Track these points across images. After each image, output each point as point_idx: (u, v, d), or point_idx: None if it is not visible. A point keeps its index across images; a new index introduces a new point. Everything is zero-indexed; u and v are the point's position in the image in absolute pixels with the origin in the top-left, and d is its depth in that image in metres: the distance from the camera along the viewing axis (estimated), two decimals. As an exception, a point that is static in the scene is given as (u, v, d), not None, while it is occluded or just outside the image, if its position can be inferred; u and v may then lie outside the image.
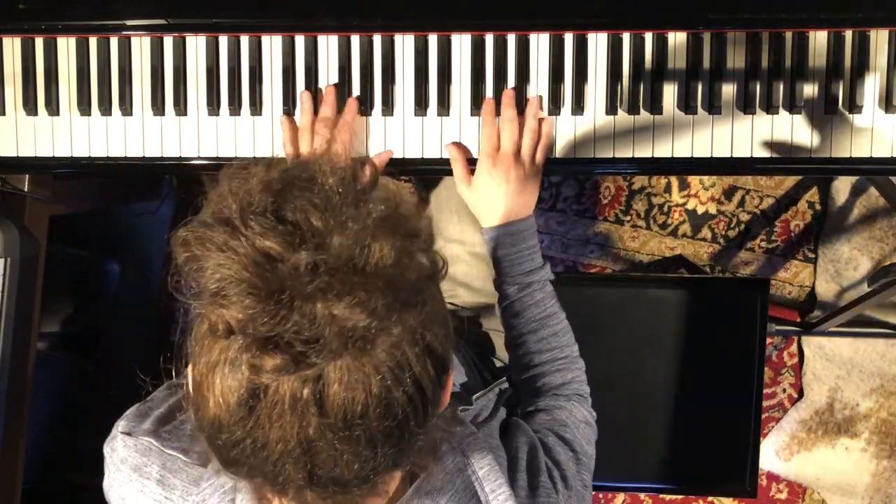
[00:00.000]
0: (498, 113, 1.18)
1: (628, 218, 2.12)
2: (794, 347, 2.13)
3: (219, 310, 0.58)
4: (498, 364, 1.35)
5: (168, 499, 0.80)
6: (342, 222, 0.58)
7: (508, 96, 1.17)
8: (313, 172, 0.61)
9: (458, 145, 1.19)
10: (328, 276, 0.57)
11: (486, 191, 1.13)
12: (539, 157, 1.16)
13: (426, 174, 1.46)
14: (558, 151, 1.21)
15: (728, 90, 1.18)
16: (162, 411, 0.86)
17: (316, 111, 1.19)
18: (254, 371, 0.58)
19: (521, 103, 1.19)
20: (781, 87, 1.17)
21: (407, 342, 0.60)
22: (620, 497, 2.18)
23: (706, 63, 1.18)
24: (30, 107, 1.24)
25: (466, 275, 1.35)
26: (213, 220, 0.59)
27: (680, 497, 2.15)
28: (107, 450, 0.85)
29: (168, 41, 1.22)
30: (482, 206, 1.14)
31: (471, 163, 1.19)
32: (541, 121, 1.17)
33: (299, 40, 1.21)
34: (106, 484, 0.85)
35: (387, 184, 0.65)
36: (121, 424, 0.85)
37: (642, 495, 2.17)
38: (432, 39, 1.20)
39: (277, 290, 0.57)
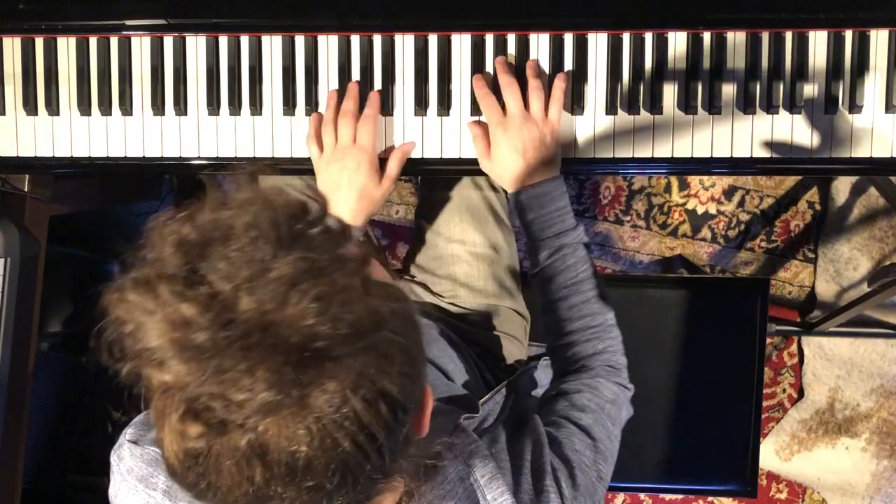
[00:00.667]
0: (491, 84, 1.16)
1: (628, 218, 2.12)
2: (794, 347, 2.13)
3: (149, 369, 0.58)
4: (507, 362, 1.35)
5: None
6: (256, 279, 0.56)
7: (501, 62, 1.16)
8: (229, 227, 0.58)
9: (478, 123, 1.18)
10: (239, 341, 0.55)
11: (505, 158, 1.11)
12: (553, 113, 1.14)
13: (427, 174, 1.46)
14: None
15: (728, 90, 1.18)
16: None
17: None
18: (182, 438, 0.58)
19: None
20: (781, 87, 1.17)
21: (350, 390, 0.58)
22: (620, 497, 2.18)
23: (706, 63, 1.18)
24: (30, 107, 1.24)
25: (467, 275, 1.35)
26: (133, 282, 0.58)
27: (680, 497, 2.15)
28: (114, 458, 0.84)
29: (168, 41, 1.22)
30: (505, 175, 1.12)
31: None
32: (553, 77, 1.16)
33: (299, 40, 1.22)
34: (112, 492, 0.85)
35: (334, 220, 0.62)
36: (128, 433, 0.84)
37: (642, 495, 2.17)
38: (432, 39, 1.20)
39: (195, 355, 0.56)
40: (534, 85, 1.14)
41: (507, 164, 1.12)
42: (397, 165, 1.18)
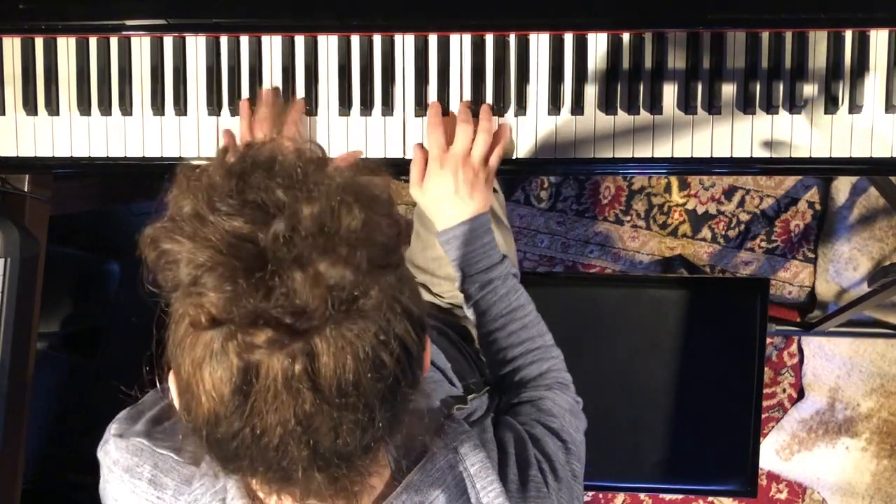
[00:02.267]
0: (444, 115, 1.18)
1: (628, 218, 2.12)
2: (794, 347, 2.13)
3: (198, 300, 0.58)
4: None
5: (160, 499, 0.80)
6: (308, 193, 0.59)
7: (465, 104, 1.18)
8: (271, 153, 0.62)
9: (422, 147, 1.19)
10: (304, 244, 0.58)
11: (436, 192, 1.13)
12: (493, 160, 1.15)
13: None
14: (558, 151, 1.21)
15: (728, 90, 1.18)
16: (154, 413, 0.86)
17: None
18: (246, 350, 0.58)
19: (521, 103, 1.19)
20: (781, 87, 1.17)
21: (387, 304, 0.61)
22: (620, 497, 2.18)
23: (706, 63, 1.18)
24: (30, 107, 1.24)
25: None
26: (178, 214, 0.60)
27: (680, 497, 2.15)
28: (100, 454, 0.85)
29: (168, 41, 1.22)
30: (433, 208, 1.14)
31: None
32: (500, 126, 1.17)
33: (299, 40, 1.22)
34: (101, 487, 0.86)
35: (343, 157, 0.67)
36: (113, 428, 0.85)
37: (642, 495, 2.17)
38: (432, 39, 1.20)
39: (255, 267, 0.57)
40: (484, 127, 1.15)
41: (437, 198, 1.13)
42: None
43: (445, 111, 1.20)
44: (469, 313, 1.12)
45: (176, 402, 0.67)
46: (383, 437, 0.65)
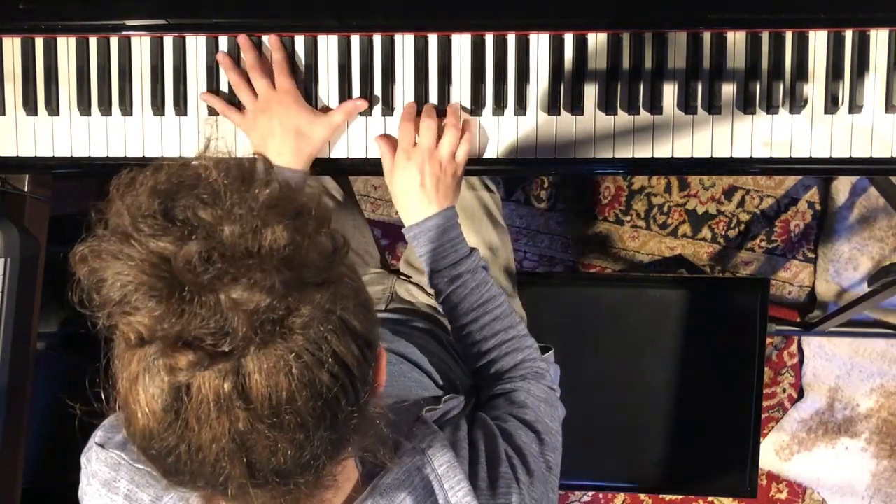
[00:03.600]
0: (419, 115, 1.18)
1: (628, 218, 2.12)
2: (794, 347, 2.13)
3: (126, 318, 0.58)
4: None
5: None
6: (230, 212, 0.59)
7: (430, 106, 1.18)
8: (197, 170, 0.62)
9: (387, 137, 1.19)
10: (222, 264, 0.57)
11: (403, 185, 1.13)
12: (460, 155, 1.15)
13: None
14: (558, 151, 1.21)
15: (728, 90, 1.18)
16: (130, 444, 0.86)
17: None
18: (170, 372, 0.58)
19: (521, 103, 1.19)
20: (781, 87, 1.17)
21: (320, 321, 0.60)
22: (620, 497, 2.18)
23: (706, 63, 1.18)
24: (30, 107, 1.24)
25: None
26: (106, 232, 0.60)
27: (680, 497, 2.15)
28: (83, 459, 0.86)
29: (168, 41, 1.22)
30: (400, 202, 1.14)
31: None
32: (464, 123, 1.18)
33: (299, 40, 1.21)
34: (80, 492, 0.86)
35: (279, 171, 0.66)
36: (97, 434, 0.86)
37: (642, 495, 2.17)
38: (432, 39, 1.20)
39: (177, 287, 0.57)
40: (451, 122, 1.15)
41: (404, 191, 1.13)
42: (342, 115, 1.18)
43: (446, 111, 1.20)
44: (441, 308, 1.12)
45: (120, 416, 0.67)
46: (325, 455, 0.64)
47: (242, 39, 1.20)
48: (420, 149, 1.13)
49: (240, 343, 0.57)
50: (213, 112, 1.23)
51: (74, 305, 0.62)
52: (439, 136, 1.14)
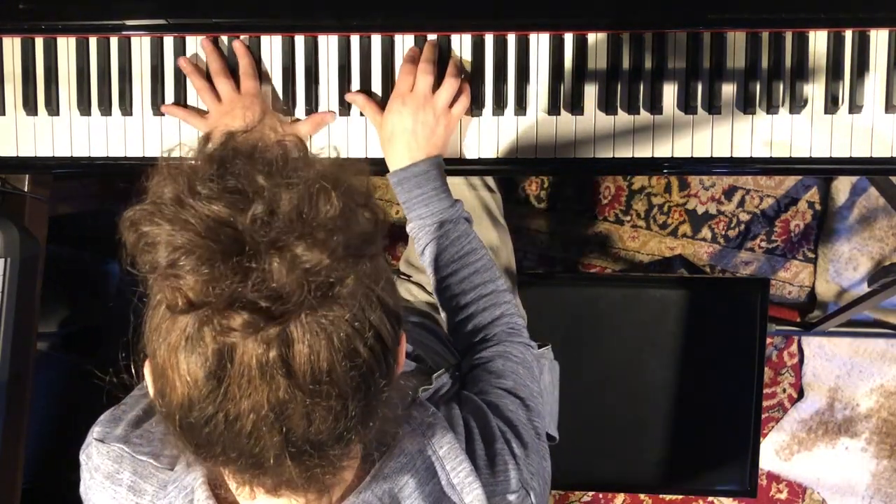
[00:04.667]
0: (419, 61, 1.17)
1: (628, 218, 2.12)
2: (794, 347, 2.13)
3: (175, 283, 0.58)
4: None
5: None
6: (287, 180, 0.60)
7: (431, 44, 1.17)
8: (252, 141, 0.63)
9: (359, 93, 1.19)
10: (281, 228, 0.58)
11: (394, 129, 1.12)
12: (456, 109, 1.15)
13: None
14: (558, 151, 1.21)
15: (728, 90, 1.18)
16: (135, 414, 0.86)
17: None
18: (222, 333, 0.58)
19: (521, 103, 1.19)
20: (781, 87, 1.17)
21: (362, 293, 0.62)
22: (620, 497, 2.18)
23: (706, 63, 1.18)
24: (30, 107, 1.24)
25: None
26: (159, 198, 0.60)
27: (680, 497, 2.15)
28: (83, 457, 0.86)
29: (168, 41, 1.22)
30: (388, 146, 1.13)
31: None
32: (464, 81, 1.17)
33: (299, 40, 1.22)
34: (82, 489, 0.86)
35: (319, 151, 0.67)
36: (95, 431, 0.86)
37: (642, 495, 2.17)
38: (432, 39, 1.20)
39: (233, 251, 0.57)
40: (451, 73, 1.15)
41: (393, 135, 1.12)
42: (308, 126, 1.19)
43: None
44: (422, 259, 1.11)
45: (151, 389, 0.67)
46: (357, 427, 0.65)
47: (206, 44, 1.19)
48: (416, 94, 1.13)
49: (291, 307, 0.58)
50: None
51: (126, 268, 0.62)
52: (438, 87, 1.14)
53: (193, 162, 0.62)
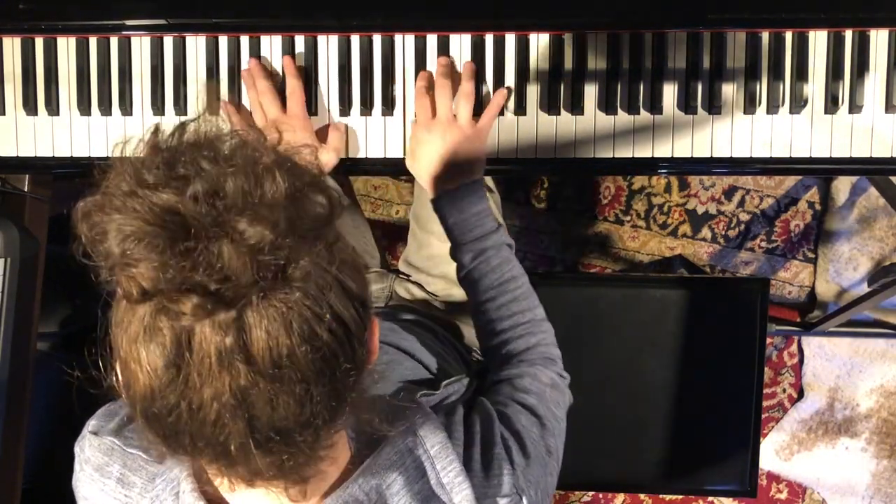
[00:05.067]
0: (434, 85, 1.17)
1: (628, 218, 2.12)
2: (794, 347, 2.13)
3: (129, 272, 0.59)
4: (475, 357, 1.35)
5: (128, 496, 0.81)
6: (233, 167, 0.60)
7: (442, 64, 1.18)
8: (198, 130, 0.64)
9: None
10: (224, 208, 0.58)
11: (424, 157, 1.13)
12: (484, 120, 1.15)
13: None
14: (558, 151, 1.21)
15: (728, 90, 1.18)
16: (128, 411, 0.87)
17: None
18: (174, 318, 0.59)
19: (521, 103, 1.19)
20: (781, 87, 1.17)
21: (318, 275, 0.62)
22: (620, 497, 2.18)
23: (706, 63, 1.18)
24: (30, 107, 1.24)
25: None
26: (109, 189, 0.61)
27: (680, 497, 2.15)
28: (77, 449, 0.87)
29: (168, 41, 1.22)
30: (423, 174, 1.13)
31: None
32: (498, 91, 1.17)
33: (299, 40, 1.22)
34: (74, 481, 0.87)
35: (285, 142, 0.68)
36: (90, 424, 0.86)
37: (642, 495, 2.17)
38: (432, 39, 1.20)
39: (180, 237, 0.58)
40: (464, 90, 1.15)
41: (425, 162, 1.13)
42: (334, 155, 1.19)
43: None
44: (462, 283, 1.11)
45: (118, 383, 0.67)
46: (322, 413, 0.65)
47: (254, 65, 1.20)
48: (439, 119, 1.14)
49: (242, 290, 0.58)
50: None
51: (80, 260, 0.63)
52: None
53: (143, 152, 0.63)
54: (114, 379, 0.68)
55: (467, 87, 1.15)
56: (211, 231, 0.58)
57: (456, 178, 1.10)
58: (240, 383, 0.60)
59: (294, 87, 1.18)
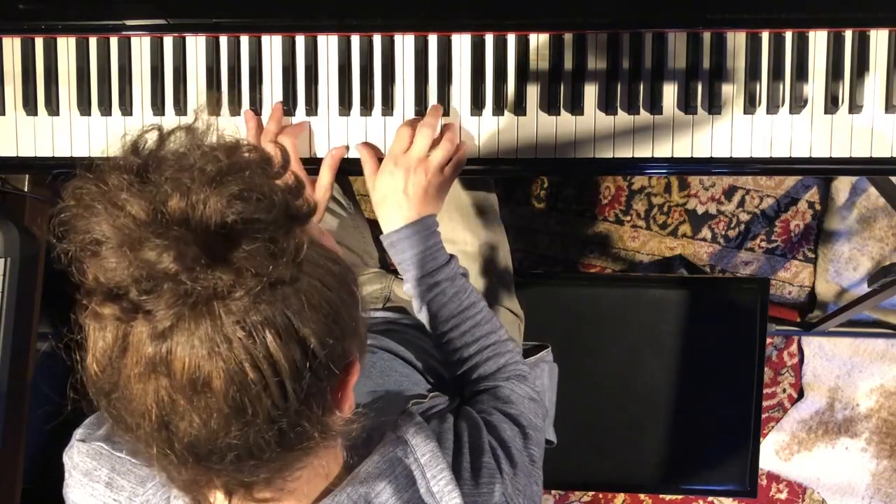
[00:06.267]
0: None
1: (628, 218, 2.12)
2: (794, 347, 2.13)
3: (88, 260, 0.61)
4: None
5: (116, 500, 0.81)
6: (191, 183, 0.60)
7: (435, 108, 1.18)
8: (181, 151, 0.63)
9: (368, 145, 1.20)
10: (154, 225, 0.59)
11: (384, 189, 1.12)
12: (448, 170, 1.14)
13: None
14: (558, 151, 1.21)
15: (728, 90, 1.18)
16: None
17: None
18: (95, 319, 0.61)
19: (521, 103, 1.19)
20: (781, 87, 1.17)
21: (258, 313, 0.60)
22: (620, 497, 2.18)
23: (706, 63, 1.18)
24: (30, 107, 1.24)
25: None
26: (93, 179, 0.62)
27: (680, 497, 2.15)
28: (65, 458, 0.87)
29: (168, 41, 1.23)
30: (380, 207, 1.13)
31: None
32: (460, 144, 1.17)
33: (299, 40, 1.22)
34: (64, 490, 0.87)
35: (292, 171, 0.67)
36: (78, 432, 0.87)
37: (642, 495, 2.17)
38: (432, 39, 1.20)
39: (127, 243, 0.59)
40: (448, 137, 1.15)
41: (385, 196, 1.12)
42: (328, 173, 1.19)
43: (446, 111, 1.20)
44: (421, 317, 1.11)
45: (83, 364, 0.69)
46: (254, 450, 0.64)
47: (248, 115, 1.21)
48: (410, 155, 1.12)
49: (175, 307, 0.58)
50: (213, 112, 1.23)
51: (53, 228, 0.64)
52: (434, 148, 1.14)
53: (124, 151, 0.64)
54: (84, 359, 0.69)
55: (452, 136, 1.15)
56: (140, 243, 0.58)
57: (410, 214, 1.10)
58: (160, 394, 0.61)
59: (289, 145, 1.18)
